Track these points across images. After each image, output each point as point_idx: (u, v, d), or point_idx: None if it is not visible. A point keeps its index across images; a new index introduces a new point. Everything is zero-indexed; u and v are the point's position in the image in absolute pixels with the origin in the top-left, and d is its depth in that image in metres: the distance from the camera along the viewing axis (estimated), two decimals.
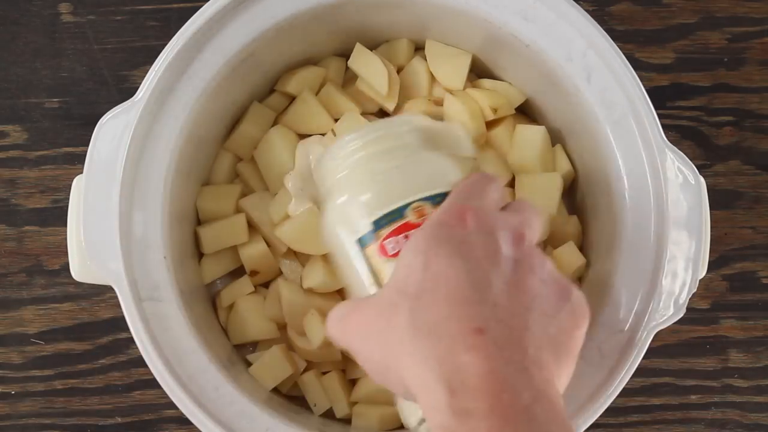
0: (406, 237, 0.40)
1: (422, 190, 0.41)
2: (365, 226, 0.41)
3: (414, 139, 0.43)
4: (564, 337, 0.36)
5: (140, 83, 0.48)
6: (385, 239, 0.40)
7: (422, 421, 0.41)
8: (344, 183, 0.43)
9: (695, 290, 0.47)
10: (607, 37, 0.49)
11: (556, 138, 0.56)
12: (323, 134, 0.55)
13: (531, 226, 0.39)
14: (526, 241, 0.38)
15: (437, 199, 0.40)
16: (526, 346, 0.34)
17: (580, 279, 0.55)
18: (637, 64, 0.58)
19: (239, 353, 0.56)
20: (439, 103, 0.56)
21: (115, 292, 0.47)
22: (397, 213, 0.40)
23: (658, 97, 0.59)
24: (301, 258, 0.55)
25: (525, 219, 0.39)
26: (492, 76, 0.57)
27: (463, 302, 0.34)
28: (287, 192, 0.53)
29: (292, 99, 0.57)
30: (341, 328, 0.39)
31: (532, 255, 0.37)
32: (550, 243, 0.56)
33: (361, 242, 0.41)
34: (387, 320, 0.36)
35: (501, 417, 0.32)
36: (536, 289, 0.36)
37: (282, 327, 0.56)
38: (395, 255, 0.40)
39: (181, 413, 0.46)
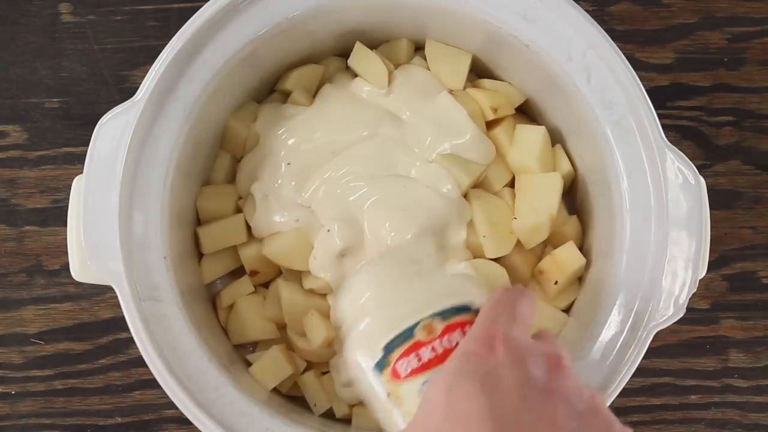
0: (418, 357, 0.40)
1: (429, 307, 0.41)
2: (378, 352, 0.41)
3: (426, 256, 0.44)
4: None
5: (140, 83, 0.48)
6: (396, 362, 0.40)
7: None
8: (358, 312, 0.44)
9: (695, 290, 0.47)
10: (607, 37, 0.49)
11: (556, 138, 0.56)
12: None
13: (565, 354, 0.36)
14: (563, 368, 0.35)
15: (448, 313, 0.40)
16: None
17: (580, 279, 0.55)
18: (637, 64, 0.58)
19: (239, 353, 0.56)
20: None
21: (115, 292, 0.47)
22: (406, 334, 0.40)
23: (658, 97, 0.59)
24: None
25: (557, 348, 0.36)
26: (492, 76, 0.57)
27: None
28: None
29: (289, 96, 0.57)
30: None
31: (567, 384, 0.34)
32: (550, 243, 0.56)
33: (378, 367, 0.41)
34: None
35: None
36: (570, 423, 0.33)
37: (282, 327, 0.56)
38: (410, 376, 0.39)
39: (181, 413, 0.46)
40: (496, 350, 0.35)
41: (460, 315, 0.41)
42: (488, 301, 0.39)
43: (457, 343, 0.40)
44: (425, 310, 0.41)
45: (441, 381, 0.34)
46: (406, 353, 0.40)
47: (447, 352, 0.39)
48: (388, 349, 0.40)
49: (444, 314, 0.40)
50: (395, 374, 0.40)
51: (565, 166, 0.55)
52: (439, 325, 0.40)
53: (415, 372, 0.39)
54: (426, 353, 0.39)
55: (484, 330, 0.36)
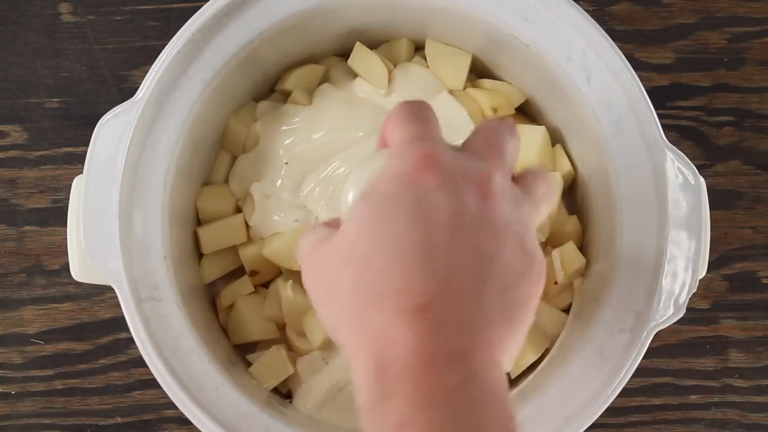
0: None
1: None
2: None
3: None
4: (519, 308, 0.33)
5: (140, 83, 0.48)
6: None
7: None
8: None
9: (695, 290, 0.47)
10: (607, 37, 0.49)
11: (556, 138, 0.56)
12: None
13: (502, 157, 0.35)
14: (493, 191, 0.33)
15: None
16: (472, 326, 0.31)
17: (580, 279, 0.55)
18: (637, 64, 0.58)
19: (239, 353, 0.56)
20: None
21: (115, 292, 0.47)
22: None
23: (658, 97, 0.59)
24: None
25: (494, 154, 0.35)
26: (492, 76, 0.57)
27: (411, 274, 0.31)
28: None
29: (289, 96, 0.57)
30: (303, 263, 0.36)
31: (498, 208, 0.33)
32: (550, 243, 0.56)
33: None
34: (335, 278, 0.33)
35: (421, 401, 0.29)
36: (499, 255, 0.32)
37: (282, 327, 0.56)
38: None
39: (181, 413, 0.46)
40: (429, 177, 0.32)
41: None
42: (399, 112, 0.36)
43: None
44: None
45: (375, 198, 0.33)
46: None
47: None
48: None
49: None
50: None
51: (565, 166, 0.55)
52: None
53: None
54: None
55: (414, 150, 0.33)
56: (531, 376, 0.52)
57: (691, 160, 0.48)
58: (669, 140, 0.48)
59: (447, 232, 0.31)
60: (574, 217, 0.56)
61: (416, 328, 0.30)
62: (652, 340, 0.47)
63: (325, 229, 0.35)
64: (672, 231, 0.48)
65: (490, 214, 0.33)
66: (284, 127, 0.55)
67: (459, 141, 0.54)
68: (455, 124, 0.54)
